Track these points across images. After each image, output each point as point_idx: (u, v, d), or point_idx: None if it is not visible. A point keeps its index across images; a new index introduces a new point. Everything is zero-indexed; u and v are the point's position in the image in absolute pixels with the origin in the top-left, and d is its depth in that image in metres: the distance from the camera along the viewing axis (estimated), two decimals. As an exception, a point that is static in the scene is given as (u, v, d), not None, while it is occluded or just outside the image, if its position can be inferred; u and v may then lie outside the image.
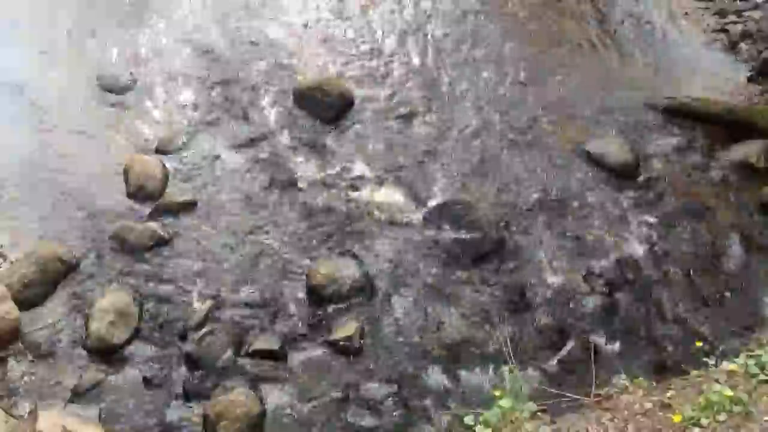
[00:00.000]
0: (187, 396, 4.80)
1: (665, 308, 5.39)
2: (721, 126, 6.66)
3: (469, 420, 3.62)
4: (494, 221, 5.89)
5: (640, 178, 6.28)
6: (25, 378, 4.78)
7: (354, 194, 6.07)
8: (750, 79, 7.18)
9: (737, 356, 3.86)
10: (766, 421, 3.24)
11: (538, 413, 3.63)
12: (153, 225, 5.68)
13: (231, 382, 4.85)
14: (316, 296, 5.34)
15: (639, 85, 7.12)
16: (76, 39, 7.25)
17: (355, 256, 5.61)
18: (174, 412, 4.72)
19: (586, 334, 5.23)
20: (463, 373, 4.98)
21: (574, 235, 5.84)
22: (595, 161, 6.37)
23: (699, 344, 4.89)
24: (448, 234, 5.80)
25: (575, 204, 6.07)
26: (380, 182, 6.17)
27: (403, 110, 6.79)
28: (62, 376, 4.81)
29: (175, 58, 7.16)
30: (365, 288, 5.41)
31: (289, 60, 7.21)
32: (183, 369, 4.94)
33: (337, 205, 5.96)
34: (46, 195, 5.86)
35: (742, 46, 7.51)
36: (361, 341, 5.10)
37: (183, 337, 5.08)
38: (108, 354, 4.96)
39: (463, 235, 5.79)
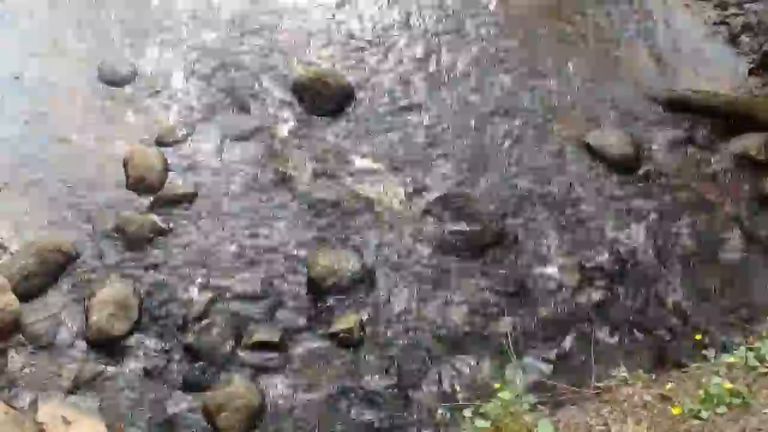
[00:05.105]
0: (187, 387, 4.81)
1: (665, 301, 5.40)
2: (721, 118, 6.64)
3: (468, 412, 3.63)
4: (494, 213, 5.89)
5: (640, 171, 6.27)
6: (26, 369, 4.78)
7: (354, 186, 6.06)
8: (751, 72, 7.16)
9: (737, 349, 3.87)
10: (765, 413, 3.25)
11: (538, 405, 3.64)
12: (153, 217, 5.68)
13: (231, 374, 4.87)
14: (316, 288, 5.34)
15: (639, 78, 7.10)
16: (75, 31, 7.23)
17: (355, 248, 5.61)
18: (174, 404, 4.73)
19: (585, 326, 5.23)
20: (462, 366, 4.99)
21: (574, 228, 5.84)
22: (595, 153, 6.36)
23: (698, 337, 4.92)
24: (448, 226, 5.80)
25: (575, 196, 6.07)
26: (380, 174, 6.16)
27: (402, 103, 6.77)
28: (62, 368, 4.81)
29: (175, 50, 7.13)
30: (365, 280, 5.42)
31: (289, 52, 7.19)
32: (183, 360, 4.95)
33: (336, 196, 5.96)
34: (46, 186, 5.85)
35: (743, 38, 7.48)
36: (361, 333, 5.11)
37: (183, 329, 5.09)
38: (108, 345, 4.97)
39: (463, 227, 5.79)
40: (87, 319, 5.03)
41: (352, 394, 4.82)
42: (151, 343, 5.03)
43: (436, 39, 7.44)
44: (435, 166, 6.23)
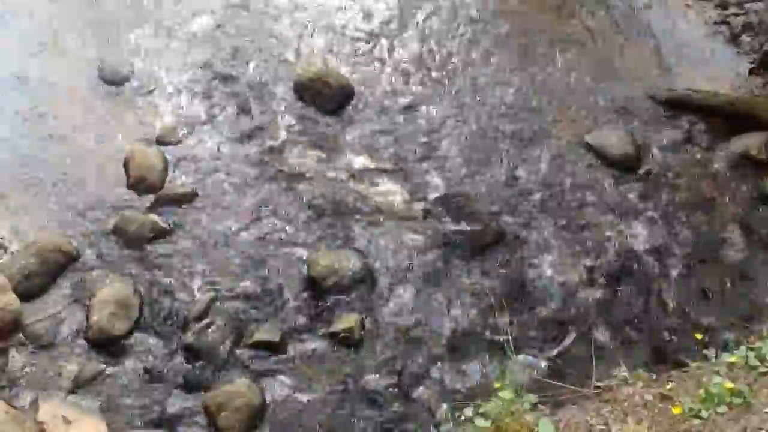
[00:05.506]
0: (188, 387, 4.81)
1: (665, 300, 5.40)
2: (722, 118, 6.65)
3: (468, 412, 3.63)
4: (495, 213, 5.89)
5: (641, 170, 6.27)
6: (26, 369, 4.79)
7: (354, 186, 6.06)
8: (751, 72, 7.17)
9: (737, 348, 3.87)
10: (766, 412, 3.25)
11: (538, 405, 3.63)
12: (153, 216, 5.67)
13: (231, 374, 4.87)
14: (317, 288, 5.34)
15: (640, 77, 7.10)
16: (75, 30, 7.22)
17: (355, 248, 5.61)
18: (174, 403, 4.73)
19: (586, 326, 5.24)
20: (463, 365, 4.99)
21: (574, 227, 5.84)
22: (596, 153, 6.36)
23: (699, 336, 4.92)
24: (449, 226, 5.80)
25: (576, 196, 6.07)
26: (381, 174, 6.16)
27: (403, 102, 6.77)
28: (63, 367, 4.81)
29: (176, 48, 7.13)
30: (365, 279, 5.42)
31: (289, 51, 7.19)
32: (183, 360, 4.95)
33: (337, 196, 5.96)
34: (46, 186, 5.85)
35: (744, 38, 7.48)
36: (362, 333, 5.11)
37: (183, 329, 5.09)
38: (109, 345, 4.97)
39: (464, 226, 5.79)
40: (87, 318, 5.03)
41: (353, 394, 4.82)
42: (151, 342, 5.03)
43: (437, 38, 7.43)
44: (435, 166, 6.23)
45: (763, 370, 3.57)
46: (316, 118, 6.58)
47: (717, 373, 3.61)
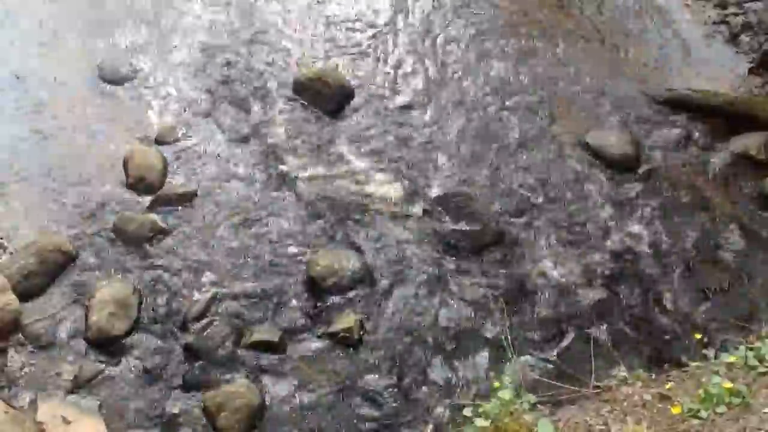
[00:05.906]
0: (187, 387, 4.81)
1: (664, 300, 5.40)
2: (721, 118, 6.65)
3: (468, 411, 3.63)
4: (494, 213, 5.90)
5: (640, 170, 6.27)
6: (25, 369, 4.78)
7: (354, 186, 6.06)
8: (751, 71, 7.17)
9: (736, 348, 3.87)
10: (765, 412, 3.25)
11: (538, 405, 3.64)
12: (153, 216, 5.68)
13: (231, 374, 4.87)
14: (316, 288, 5.34)
15: (639, 77, 7.11)
16: (76, 30, 7.22)
17: (355, 248, 5.61)
18: (174, 403, 4.73)
19: (585, 326, 5.23)
20: (462, 365, 4.99)
21: (573, 227, 5.84)
22: (595, 153, 6.37)
23: (698, 336, 4.92)
24: (448, 225, 5.80)
25: (575, 196, 6.07)
26: (380, 174, 6.16)
27: (402, 102, 6.78)
28: (62, 367, 4.81)
29: (175, 48, 7.14)
30: (365, 279, 5.42)
31: (289, 51, 7.19)
32: (183, 360, 4.95)
33: (337, 196, 5.96)
34: (46, 186, 5.85)
35: (743, 38, 7.49)
36: (361, 333, 5.10)
37: (183, 328, 5.09)
38: (108, 345, 4.97)
39: (463, 226, 5.79)
40: (87, 318, 5.03)
41: (352, 394, 4.82)
42: (151, 342, 5.03)
43: (437, 37, 7.44)
44: (435, 166, 6.23)
45: (762, 370, 3.57)
46: (315, 118, 6.58)
47: (716, 373, 3.61)
